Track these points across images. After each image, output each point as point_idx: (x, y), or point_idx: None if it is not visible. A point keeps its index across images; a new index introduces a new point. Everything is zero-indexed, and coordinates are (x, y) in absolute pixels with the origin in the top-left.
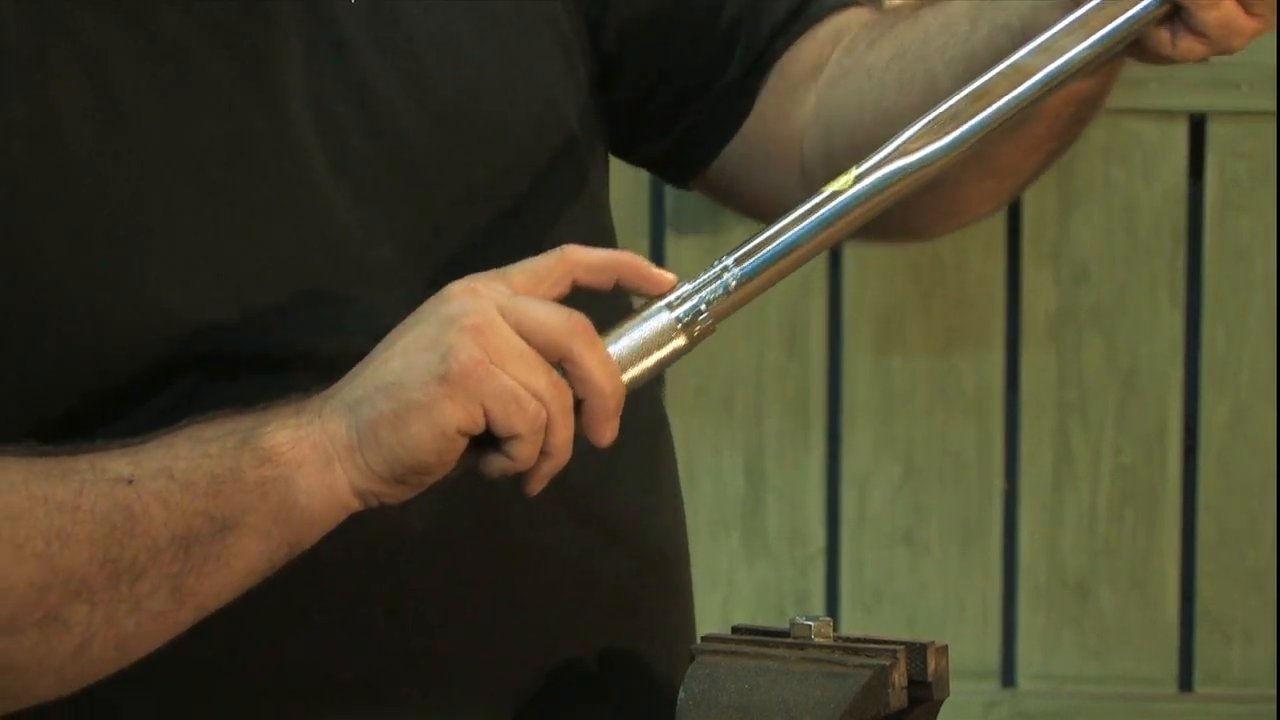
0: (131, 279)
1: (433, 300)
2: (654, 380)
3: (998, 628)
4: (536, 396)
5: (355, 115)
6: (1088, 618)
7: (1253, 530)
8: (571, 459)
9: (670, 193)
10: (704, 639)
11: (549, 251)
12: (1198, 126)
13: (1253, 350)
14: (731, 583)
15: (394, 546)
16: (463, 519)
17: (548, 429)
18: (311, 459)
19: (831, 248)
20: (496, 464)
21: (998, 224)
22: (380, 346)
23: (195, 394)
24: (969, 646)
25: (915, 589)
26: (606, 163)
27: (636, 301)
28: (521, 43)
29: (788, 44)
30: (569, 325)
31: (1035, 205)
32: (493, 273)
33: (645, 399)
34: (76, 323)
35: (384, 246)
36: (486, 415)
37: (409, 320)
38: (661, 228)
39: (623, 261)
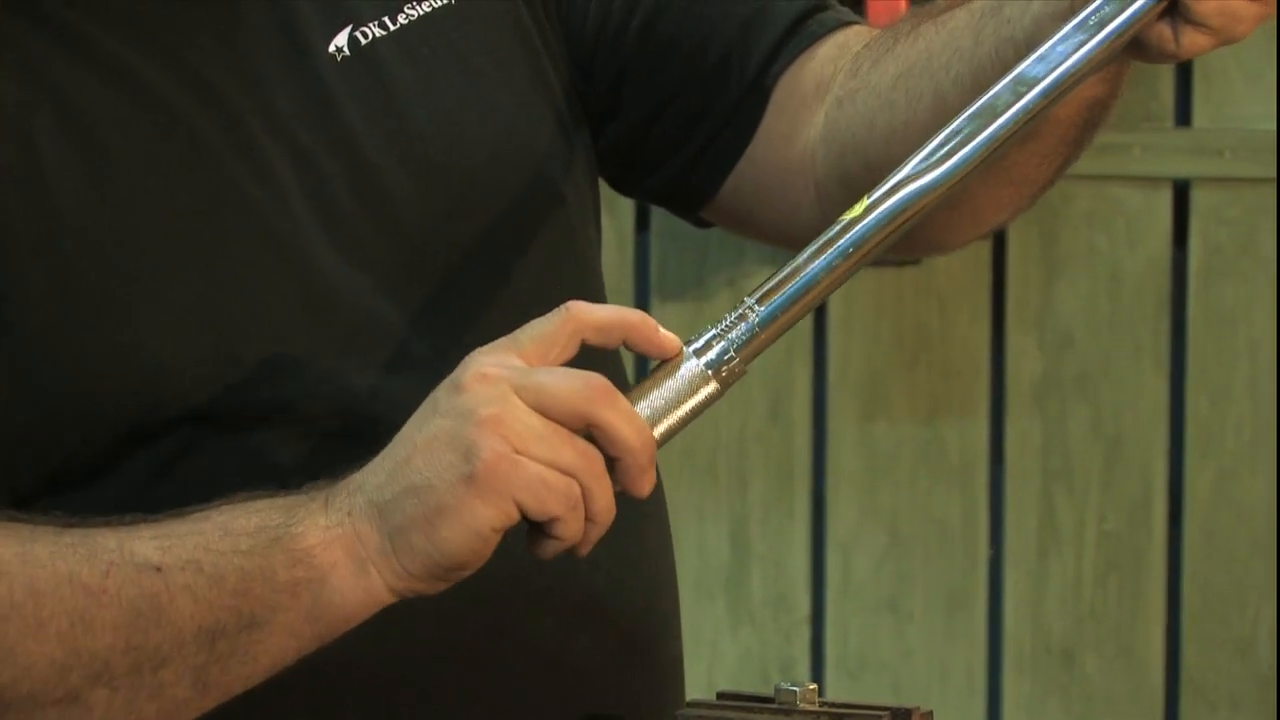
0: (118, 329)
1: (446, 389)
2: None
3: (983, 695)
4: (567, 473)
5: (340, 171)
6: (1073, 684)
7: (1238, 596)
8: None
9: (655, 257)
10: (689, 704)
11: (555, 311)
12: (1181, 193)
13: (1237, 416)
14: (716, 650)
15: (362, 636)
16: (429, 605)
17: (585, 499)
18: (344, 562)
19: (850, 278)
20: (547, 547)
21: (982, 291)
22: (399, 440)
23: (185, 449)
24: (954, 714)
25: (900, 656)
26: (597, 215)
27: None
28: (505, 98)
29: (783, 69)
30: (586, 392)
31: (1019, 273)
32: (501, 343)
33: None
34: (63, 372)
35: (371, 301)
36: (520, 507)
37: (425, 410)
38: (646, 293)
39: (630, 323)
